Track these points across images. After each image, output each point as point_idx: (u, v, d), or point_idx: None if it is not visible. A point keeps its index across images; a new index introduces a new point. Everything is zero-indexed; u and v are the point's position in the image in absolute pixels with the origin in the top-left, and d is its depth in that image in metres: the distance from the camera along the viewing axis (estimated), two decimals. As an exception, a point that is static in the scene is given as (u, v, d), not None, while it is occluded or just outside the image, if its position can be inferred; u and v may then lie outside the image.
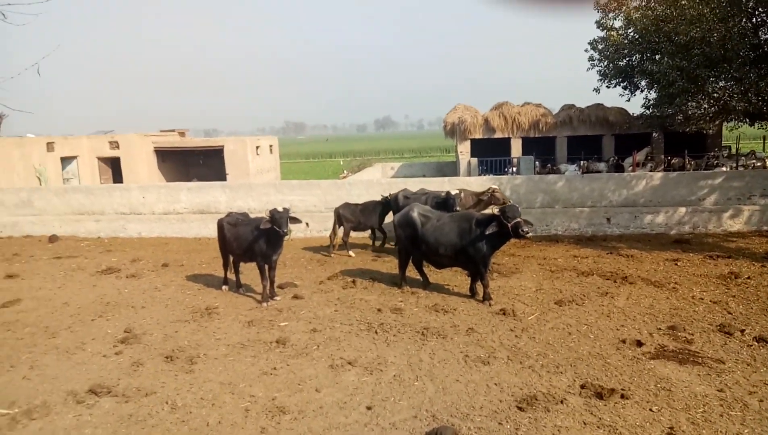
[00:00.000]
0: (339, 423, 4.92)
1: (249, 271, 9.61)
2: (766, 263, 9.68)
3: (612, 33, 19.61)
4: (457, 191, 10.73)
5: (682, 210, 12.87)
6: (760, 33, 14.08)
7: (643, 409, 4.93)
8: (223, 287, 9.31)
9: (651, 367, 5.77)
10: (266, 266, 8.46)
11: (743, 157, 20.54)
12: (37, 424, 5.08)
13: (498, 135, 24.63)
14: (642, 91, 20.20)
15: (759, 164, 19.58)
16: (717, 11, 13.52)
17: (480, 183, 13.75)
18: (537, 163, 23.15)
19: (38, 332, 7.45)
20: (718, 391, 5.22)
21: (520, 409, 5.00)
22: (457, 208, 10.12)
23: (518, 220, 7.66)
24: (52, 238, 14.38)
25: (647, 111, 19.83)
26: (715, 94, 15.62)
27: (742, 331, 6.65)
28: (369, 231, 12.47)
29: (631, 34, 19.00)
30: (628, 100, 21.13)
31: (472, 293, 8.45)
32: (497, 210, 8.05)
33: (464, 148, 25.07)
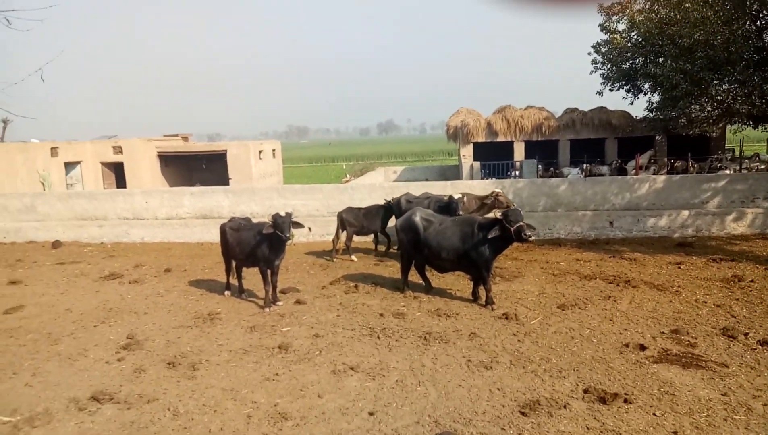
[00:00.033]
0: (341, 429, 4.90)
1: (251, 276, 9.62)
2: (771, 266, 9.63)
3: (615, 36, 19.63)
4: (460, 195, 10.72)
5: (686, 213, 12.83)
6: (764, 36, 14.06)
7: (646, 414, 4.90)
8: (226, 292, 9.31)
9: (654, 371, 5.74)
10: (269, 271, 8.46)
11: (747, 160, 20.48)
12: (38, 431, 5.08)
13: (501, 138, 24.63)
14: (645, 94, 20.20)
15: (762, 167, 19.52)
16: (721, 14, 13.51)
17: (483, 187, 13.73)
18: (540, 166, 23.14)
19: (41, 339, 7.46)
20: (722, 395, 5.19)
21: (523, 414, 4.98)
22: (460, 212, 10.10)
23: (521, 223, 7.64)
24: (56, 244, 14.42)
25: (650, 114, 19.81)
26: (718, 97, 15.60)
27: (746, 334, 6.61)
28: (372, 235, 12.47)
29: (635, 37, 19.02)
30: (632, 103, 21.10)
31: (475, 297, 8.44)
32: (500, 214, 8.04)
33: (467, 152, 25.07)
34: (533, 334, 6.95)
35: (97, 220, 15.41)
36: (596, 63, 21.11)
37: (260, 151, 27.52)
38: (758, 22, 14.12)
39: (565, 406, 5.06)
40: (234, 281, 9.36)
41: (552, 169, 23.41)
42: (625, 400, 5.11)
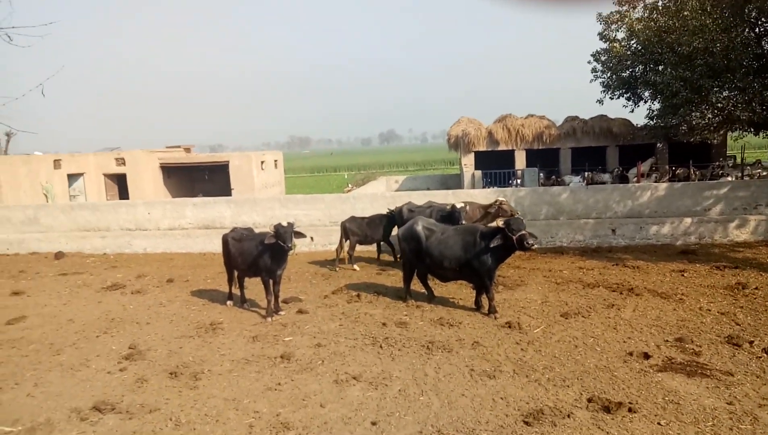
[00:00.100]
0: (343, 439, 4.87)
1: (253, 286, 9.61)
2: (774, 273, 9.60)
3: (615, 44, 19.70)
4: (463, 204, 10.72)
5: (688, 220, 12.80)
6: (763, 43, 14.11)
7: (651, 423, 4.86)
8: (228, 302, 9.30)
9: (659, 380, 5.70)
10: (271, 281, 8.46)
11: (749, 167, 20.48)
12: (40, 442, 5.07)
13: (502, 147, 24.69)
14: (645, 102, 20.24)
15: (765, 174, 19.51)
16: (719, 22, 13.57)
17: (484, 195, 13.74)
18: (541, 174, 23.17)
19: (43, 349, 7.45)
20: (727, 404, 5.15)
21: (526, 423, 4.94)
22: (463, 222, 10.10)
23: (523, 232, 7.63)
24: (58, 255, 14.44)
25: (651, 122, 19.83)
26: (719, 104, 15.61)
27: (751, 342, 6.58)
28: (375, 245, 12.46)
29: (634, 45, 19.09)
30: (632, 111, 21.16)
31: (478, 306, 8.41)
32: (502, 222, 8.04)
33: (468, 161, 25.13)
34: (536, 342, 6.92)
35: (99, 232, 15.44)
36: (596, 71, 21.18)
37: (262, 162, 27.62)
38: (757, 30, 14.17)
39: (568, 416, 5.03)
40: (236, 291, 9.35)
41: (553, 177, 23.45)
42: (630, 410, 5.07)
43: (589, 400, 5.29)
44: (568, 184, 20.11)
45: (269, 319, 8.30)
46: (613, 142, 24.13)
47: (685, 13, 14.43)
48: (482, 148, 24.85)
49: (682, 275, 9.87)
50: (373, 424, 5.08)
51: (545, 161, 24.66)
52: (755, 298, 8.32)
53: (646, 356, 6.30)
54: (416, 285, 9.17)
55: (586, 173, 22.02)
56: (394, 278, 10.52)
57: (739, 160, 22.30)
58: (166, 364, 6.74)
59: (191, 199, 16.62)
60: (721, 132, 19.09)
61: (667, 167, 22.13)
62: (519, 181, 23.17)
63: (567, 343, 6.87)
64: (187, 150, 30.85)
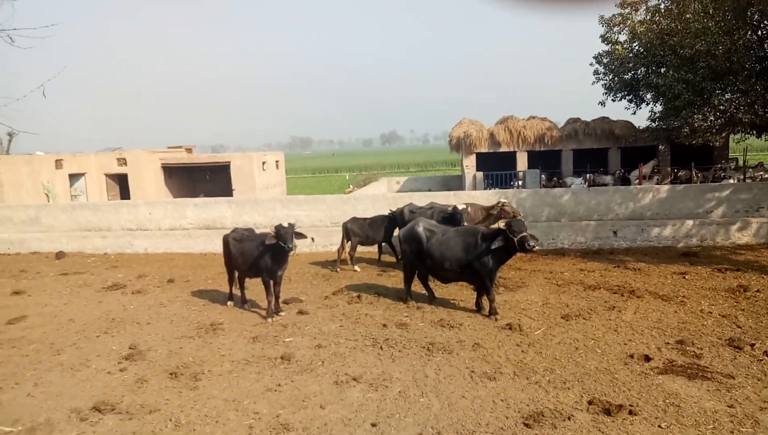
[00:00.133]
0: (343, 440, 4.87)
1: (254, 287, 9.61)
2: (776, 276, 9.58)
3: (617, 47, 19.71)
4: (465, 206, 10.71)
5: (690, 223, 12.78)
6: (765, 45, 14.11)
7: (651, 426, 4.85)
8: (229, 303, 9.30)
9: (659, 383, 5.69)
10: (271, 282, 8.45)
11: (751, 169, 20.45)
12: (40, 441, 5.07)
13: (503, 149, 24.68)
14: (648, 104, 20.26)
15: (767, 176, 19.46)
16: (722, 24, 13.57)
17: (485, 197, 13.73)
18: (543, 176, 23.15)
19: (43, 349, 7.46)
20: (728, 407, 5.13)
21: (526, 425, 4.93)
22: (465, 223, 10.09)
23: (524, 234, 7.62)
24: (59, 255, 14.46)
25: (653, 124, 19.85)
26: (721, 107, 15.62)
27: (752, 345, 6.56)
28: (376, 246, 12.46)
29: (636, 47, 19.11)
30: (634, 113, 21.20)
31: (478, 308, 8.40)
32: (503, 224, 8.03)
33: (470, 162, 25.12)
34: (537, 344, 6.90)
35: (100, 231, 15.46)
36: (598, 73, 21.21)
37: (263, 163, 27.63)
38: (759, 32, 14.17)
39: (569, 418, 5.01)
40: (237, 292, 9.35)
41: (555, 179, 23.43)
42: (630, 412, 5.05)
43: (590, 403, 5.27)
44: (570, 186, 20.10)
45: (270, 319, 8.29)
46: (615, 144, 24.11)
47: (688, 15, 14.44)
48: (484, 149, 24.84)
49: (684, 277, 9.85)
50: (373, 425, 5.07)
51: (547, 163, 24.64)
52: (757, 301, 8.30)
53: (647, 359, 6.28)
54: (417, 286, 9.16)
55: (588, 175, 21.99)
56: (394, 279, 10.52)
57: (741, 163, 22.28)
58: (167, 364, 6.73)
59: (192, 199, 16.65)
60: (723, 134, 19.10)
61: (669, 169, 22.11)
62: (520, 182, 23.15)
63: (568, 345, 6.86)
64: (189, 150, 30.88)
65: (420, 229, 8.64)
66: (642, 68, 19.22)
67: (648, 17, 17.85)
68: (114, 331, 8.11)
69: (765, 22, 13.96)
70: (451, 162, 64.84)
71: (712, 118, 16.31)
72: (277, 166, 30.43)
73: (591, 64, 21.34)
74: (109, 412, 5.52)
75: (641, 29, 17.78)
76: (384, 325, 7.81)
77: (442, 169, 65.28)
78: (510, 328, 7.46)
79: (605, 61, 20.77)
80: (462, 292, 9.40)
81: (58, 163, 22.67)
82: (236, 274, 9.20)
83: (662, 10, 16.93)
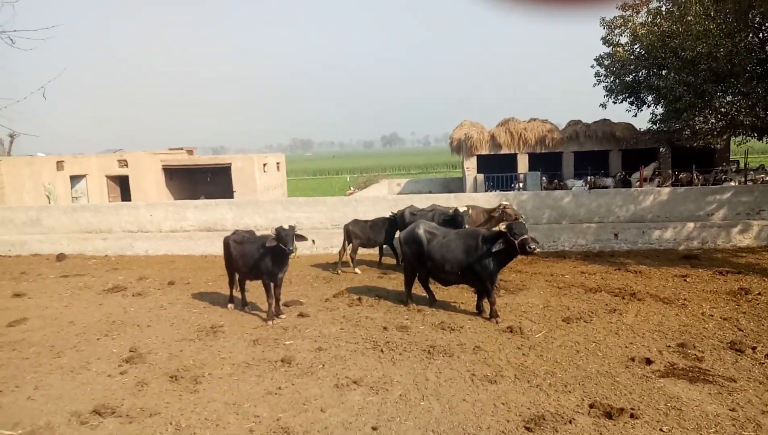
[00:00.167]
0: (344, 444, 4.85)
1: (255, 289, 9.60)
2: (778, 279, 9.56)
3: (618, 49, 19.71)
4: (466, 208, 10.69)
5: (691, 225, 12.76)
6: (767, 48, 14.09)
7: (653, 429, 4.83)
8: (229, 305, 9.29)
9: (661, 386, 5.67)
10: (272, 284, 8.44)
11: (752, 172, 20.43)
12: (40, 445, 5.05)
13: (504, 151, 24.68)
14: (649, 107, 20.24)
15: (768, 178, 19.45)
16: (723, 27, 13.57)
17: (487, 199, 13.73)
18: (544, 178, 23.13)
19: (44, 352, 7.45)
20: (730, 410, 5.12)
21: (527, 429, 4.91)
22: (466, 225, 10.08)
23: (525, 236, 7.60)
24: (60, 257, 14.46)
25: (654, 126, 19.84)
26: (722, 109, 15.62)
27: (754, 348, 6.54)
28: (377, 248, 12.44)
29: (637, 49, 19.10)
30: (635, 116, 21.21)
31: (479, 310, 8.38)
32: (504, 227, 8.01)
33: (470, 164, 25.12)
34: (538, 347, 6.89)
35: (101, 233, 15.46)
36: (599, 76, 21.20)
37: (264, 164, 27.64)
38: (761, 35, 14.17)
39: (570, 422, 5.00)
40: (237, 294, 9.34)
41: (556, 181, 23.42)
42: (632, 415, 5.04)
43: (591, 406, 5.26)
44: (571, 188, 20.08)
45: (270, 322, 8.28)
46: (615, 147, 24.11)
47: (689, 18, 14.44)
48: (485, 151, 24.85)
49: (685, 280, 9.83)
50: (374, 429, 5.05)
51: (548, 165, 24.64)
52: (758, 304, 8.28)
53: (648, 362, 6.27)
54: (417, 289, 9.15)
55: (589, 177, 21.99)
56: (395, 282, 10.50)
57: (742, 165, 22.26)
58: (167, 367, 6.72)
59: (193, 201, 16.64)
60: (725, 136, 19.08)
61: (670, 172, 22.11)
62: (521, 184, 23.15)
63: (569, 348, 6.84)
64: (190, 152, 30.91)
65: (420, 231, 8.63)
66: (643, 70, 19.21)
67: (649, 19, 17.85)
68: (114, 334, 8.10)
69: (766, 24, 13.96)
70: (452, 164, 64.86)
71: (713, 121, 16.30)
72: (278, 167, 30.44)
73: (592, 67, 21.34)
74: (110, 415, 5.51)
75: (642, 31, 17.78)
76: (385, 328, 7.80)
77: (442, 171, 65.30)
78: (511, 331, 7.44)
79: (606, 63, 20.76)
80: (463, 295, 9.38)
81: (60, 165, 22.69)
82: (237, 276, 9.19)
83: (663, 13, 16.93)
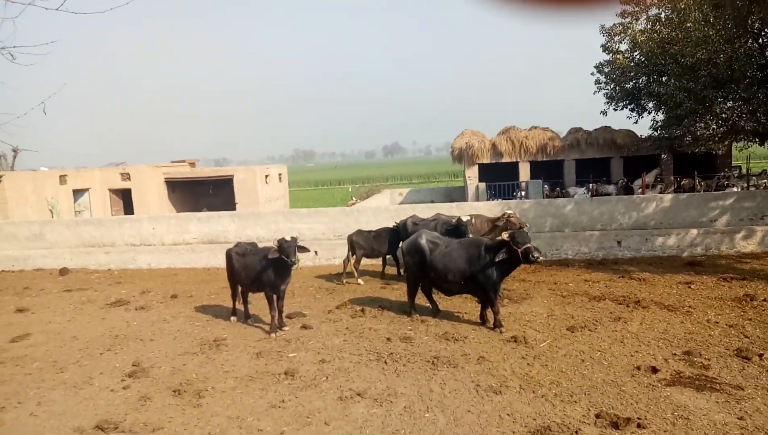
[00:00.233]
0: (348, 457, 4.81)
1: (258, 301, 9.58)
2: (783, 285, 9.50)
3: (618, 56, 19.74)
4: (469, 217, 10.67)
5: (694, 232, 12.72)
6: (766, 53, 14.11)
7: (660, 440, 4.78)
8: (232, 318, 9.27)
9: (667, 395, 5.62)
10: (275, 296, 8.42)
11: (754, 177, 20.38)
12: (43, 461, 5.02)
13: (506, 159, 24.66)
14: (649, 113, 20.24)
15: (771, 184, 19.38)
16: (722, 33, 13.60)
17: (489, 208, 13.70)
18: (545, 186, 23.10)
19: (46, 367, 7.43)
20: (738, 418, 5.06)
21: (533, 440, 4.87)
22: (470, 235, 10.05)
23: (528, 245, 7.58)
24: (63, 271, 14.46)
25: (655, 133, 19.82)
26: (723, 115, 15.60)
27: (761, 355, 6.48)
28: (380, 258, 12.42)
29: (637, 56, 19.13)
30: (636, 122, 21.15)
31: (483, 320, 8.34)
32: (506, 236, 7.99)
33: (472, 173, 25.10)
34: (543, 357, 6.84)
35: (104, 247, 15.47)
36: (599, 83, 21.22)
37: (266, 176, 27.67)
38: (761, 40, 14.19)
39: (576, 432, 4.95)
40: (240, 306, 9.32)
41: (558, 189, 23.38)
42: (638, 425, 4.99)
43: (597, 416, 5.21)
44: (573, 196, 20.06)
45: (273, 334, 8.25)
46: (617, 154, 24.07)
47: (688, 24, 14.48)
48: (486, 160, 24.84)
49: (689, 287, 9.78)
50: (378, 442, 5.01)
51: (549, 173, 24.60)
52: (764, 310, 8.22)
53: (654, 370, 6.22)
54: (421, 299, 9.12)
55: (591, 185, 21.95)
56: (398, 292, 10.47)
57: (744, 171, 22.21)
58: (170, 381, 6.69)
59: (195, 213, 16.65)
60: (726, 142, 19.04)
61: (672, 178, 22.04)
62: (523, 193, 23.12)
63: (574, 357, 6.80)
64: (192, 164, 30.97)
65: (423, 241, 8.62)
66: (643, 77, 19.23)
67: (649, 26, 17.90)
68: (117, 348, 8.08)
69: (766, 30, 13.98)
70: (454, 173, 64.86)
71: (715, 127, 16.27)
72: (280, 179, 30.47)
73: (592, 74, 21.37)
74: (112, 430, 5.48)
75: (642, 38, 17.82)
76: (388, 339, 7.76)
77: (444, 181, 65.31)
78: (515, 341, 7.40)
79: (606, 70, 20.79)
80: (466, 305, 9.34)
81: (62, 179, 22.76)
82: (239, 288, 9.18)
83: (663, 19, 16.98)
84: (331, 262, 13.58)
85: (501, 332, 7.81)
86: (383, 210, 14.61)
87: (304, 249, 8.42)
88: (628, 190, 21.13)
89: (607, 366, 6.47)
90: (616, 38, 19.90)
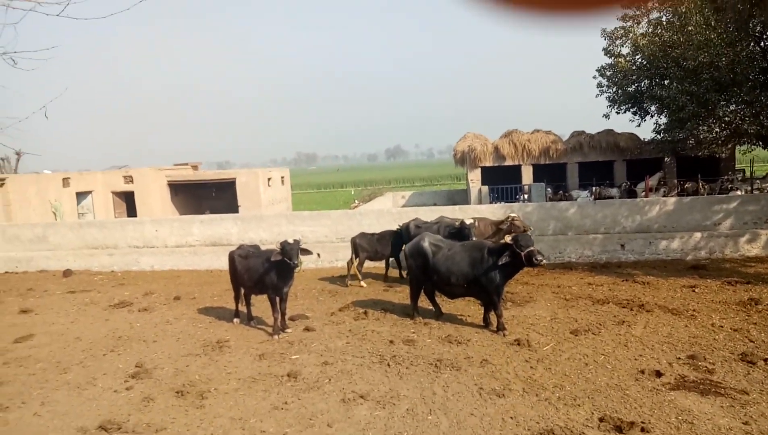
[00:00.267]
0: (351, 460, 4.80)
1: (260, 303, 9.58)
2: (787, 288, 9.46)
3: (620, 60, 19.77)
4: (472, 220, 10.66)
5: (698, 235, 12.68)
6: (769, 57, 14.09)
7: (665, 443, 4.76)
8: (235, 320, 9.27)
9: (671, 399, 5.60)
10: (277, 298, 8.42)
11: (758, 181, 20.33)
12: (46, 462, 5.03)
13: (508, 162, 24.67)
14: (652, 117, 20.25)
15: (775, 187, 19.34)
16: (724, 36, 13.60)
17: (491, 211, 13.70)
18: (548, 189, 23.09)
19: (50, 368, 7.44)
20: (743, 423, 5.04)
21: (537, 443, 4.85)
22: (473, 238, 10.04)
23: (531, 248, 7.57)
24: (66, 273, 14.49)
25: (658, 136, 19.83)
26: (726, 118, 15.59)
27: (766, 359, 6.45)
28: (383, 261, 12.41)
29: (639, 60, 19.16)
30: (639, 126, 21.20)
31: (486, 323, 8.33)
32: (510, 239, 7.98)
33: (475, 176, 25.11)
34: (546, 360, 6.83)
35: (107, 249, 15.50)
36: (602, 86, 21.24)
37: (269, 179, 27.71)
38: (762, 44, 14.18)
39: (580, 435, 4.93)
40: (243, 308, 9.32)
41: (561, 192, 23.37)
42: (642, 429, 4.97)
43: (601, 420, 5.19)
44: (576, 199, 20.04)
45: (276, 336, 8.25)
46: (620, 157, 24.06)
47: (690, 28, 14.49)
48: (488, 163, 24.85)
49: (693, 291, 9.75)
50: (381, 444, 5.00)
51: (552, 176, 24.60)
52: (768, 314, 8.19)
53: (658, 374, 6.19)
54: (424, 302, 9.11)
55: (594, 188, 21.94)
56: (401, 295, 10.46)
57: (748, 174, 22.17)
58: (173, 382, 6.70)
59: (198, 216, 16.67)
60: (729, 146, 19.03)
61: (675, 181, 22.03)
62: (526, 196, 23.11)
63: (577, 360, 6.78)
64: (195, 167, 31.02)
65: (426, 244, 8.61)
66: (645, 80, 19.25)
67: (650, 30, 17.92)
68: (120, 349, 8.09)
69: (767, 33, 13.98)
70: (456, 176, 64.88)
71: (718, 130, 16.27)
72: (282, 181, 30.51)
73: (594, 77, 21.40)
74: (116, 431, 5.48)
75: (644, 42, 17.84)
76: (391, 342, 7.75)
77: (447, 184, 65.25)
78: (518, 344, 7.38)
79: (608, 73, 20.82)
80: (469, 308, 9.33)
81: (66, 182, 22.82)
82: (242, 291, 9.18)
83: (664, 23, 17.00)
84: (334, 265, 13.58)
85: (504, 335, 7.80)
86: (386, 213, 14.62)
87: (306, 251, 8.44)
88: (631, 194, 21.11)
89: (611, 369, 6.45)
90: (618, 42, 19.93)
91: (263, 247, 9.35)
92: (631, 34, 18.97)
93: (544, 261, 7.86)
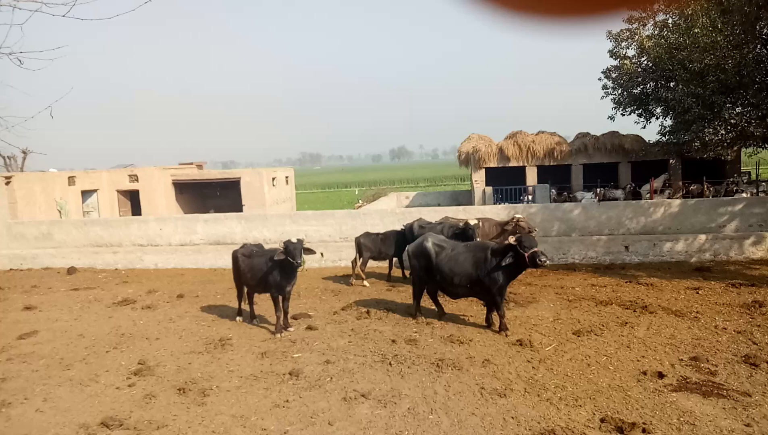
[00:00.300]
0: (352, 458, 4.80)
1: (263, 302, 9.60)
2: (792, 291, 9.41)
3: (625, 62, 19.70)
4: (477, 221, 10.65)
5: (702, 237, 12.63)
6: (775, 59, 14.02)
7: (666, 445, 4.75)
8: (238, 318, 9.29)
9: (673, 400, 5.58)
10: (280, 297, 8.44)
11: (764, 183, 20.23)
12: (48, 457, 5.05)
13: (513, 163, 24.62)
14: (657, 119, 20.16)
15: (780, 190, 19.24)
16: (730, 38, 13.54)
17: (495, 211, 13.69)
18: (553, 191, 23.03)
19: (53, 364, 7.48)
20: (745, 425, 5.02)
21: (538, 444, 4.84)
22: (478, 238, 10.03)
23: (535, 249, 7.56)
24: (71, 270, 14.56)
25: (663, 138, 19.73)
26: (732, 120, 15.51)
27: (769, 362, 6.43)
28: (387, 261, 12.42)
29: (645, 62, 19.10)
30: (644, 128, 21.08)
31: (488, 323, 8.32)
32: (513, 239, 7.97)
33: (479, 177, 25.07)
34: (548, 361, 6.81)
35: (111, 247, 15.56)
36: (607, 88, 21.18)
37: (273, 178, 27.75)
38: (769, 46, 14.10)
39: (581, 436, 4.92)
40: (246, 307, 9.34)
41: (565, 193, 23.30)
42: (644, 430, 4.95)
43: (602, 420, 5.18)
44: (581, 201, 19.99)
45: (278, 335, 8.27)
46: (625, 159, 23.97)
47: (696, 30, 14.43)
48: (493, 164, 24.81)
49: (697, 293, 9.71)
50: (382, 442, 5.00)
51: (556, 178, 24.54)
52: (772, 317, 8.14)
53: (661, 375, 6.17)
54: (426, 301, 9.11)
55: (598, 189, 21.88)
56: (404, 294, 10.46)
57: (754, 176, 22.07)
58: (175, 379, 6.72)
59: (202, 215, 16.72)
60: (735, 148, 18.91)
61: (680, 183, 21.94)
62: (530, 197, 23.06)
63: (579, 361, 6.76)
64: (200, 166, 31.11)
65: (429, 244, 8.61)
66: (651, 82, 19.18)
67: (656, 32, 17.86)
68: (123, 347, 8.12)
69: (775, 35, 13.91)
70: (461, 177, 64.88)
71: (723, 132, 16.18)
72: (286, 181, 30.55)
73: (600, 79, 21.33)
74: (117, 427, 5.50)
75: (649, 44, 17.79)
76: (393, 341, 7.75)
77: (451, 184, 65.22)
78: (521, 344, 7.37)
79: (614, 75, 20.75)
80: (472, 308, 9.32)
81: (71, 180, 22.92)
82: (245, 289, 9.20)
83: (670, 25, 16.94)
84: (337, 264, 13.59)
85: (506, 335, 7.79)
86: (390, 213, 14.63)
87: (309, 251, 8.45)
88: (636, 195, 21.04)
89: (613, 370, 6.43)
90: (623, 44, 19.86)
91: (267, 247, 9.38)
92: (636, 36, 18.91)
93: (548, 262, 7.85)
